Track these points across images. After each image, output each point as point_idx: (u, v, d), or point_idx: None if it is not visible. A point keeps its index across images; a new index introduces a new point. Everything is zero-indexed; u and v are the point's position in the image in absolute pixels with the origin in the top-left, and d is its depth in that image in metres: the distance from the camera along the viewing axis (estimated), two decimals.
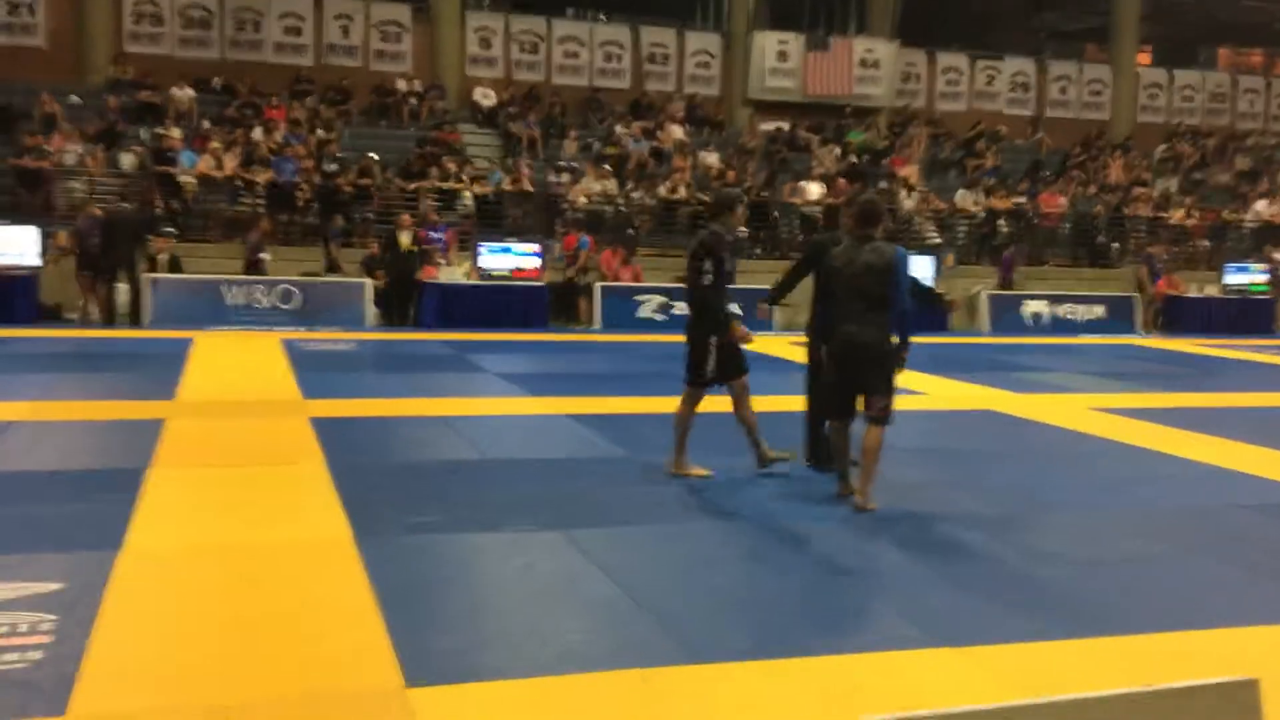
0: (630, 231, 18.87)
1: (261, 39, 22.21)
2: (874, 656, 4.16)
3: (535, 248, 17.04)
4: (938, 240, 20.87)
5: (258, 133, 19.05)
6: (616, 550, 5.48)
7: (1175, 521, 6.33)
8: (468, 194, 18.93)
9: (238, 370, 11.56)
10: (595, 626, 4.47)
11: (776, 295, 7.68)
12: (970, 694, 3.82)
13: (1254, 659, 4.25)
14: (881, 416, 6.30)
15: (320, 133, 19.58)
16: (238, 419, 8.65)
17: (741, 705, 3.69)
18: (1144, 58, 30.35)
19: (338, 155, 18.82)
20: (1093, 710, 1.93)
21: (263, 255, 16.58)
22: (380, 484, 6.66)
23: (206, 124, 19.26)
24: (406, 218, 16.82)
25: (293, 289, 16.24)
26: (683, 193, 19.87)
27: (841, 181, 20.85)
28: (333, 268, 16.97)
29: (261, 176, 17.95)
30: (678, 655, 4.11)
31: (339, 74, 22.15)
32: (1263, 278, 20.06)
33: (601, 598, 4.78)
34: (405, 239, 16.44)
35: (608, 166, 20.12)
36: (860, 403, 6.41)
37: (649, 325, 17.02)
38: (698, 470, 6.96)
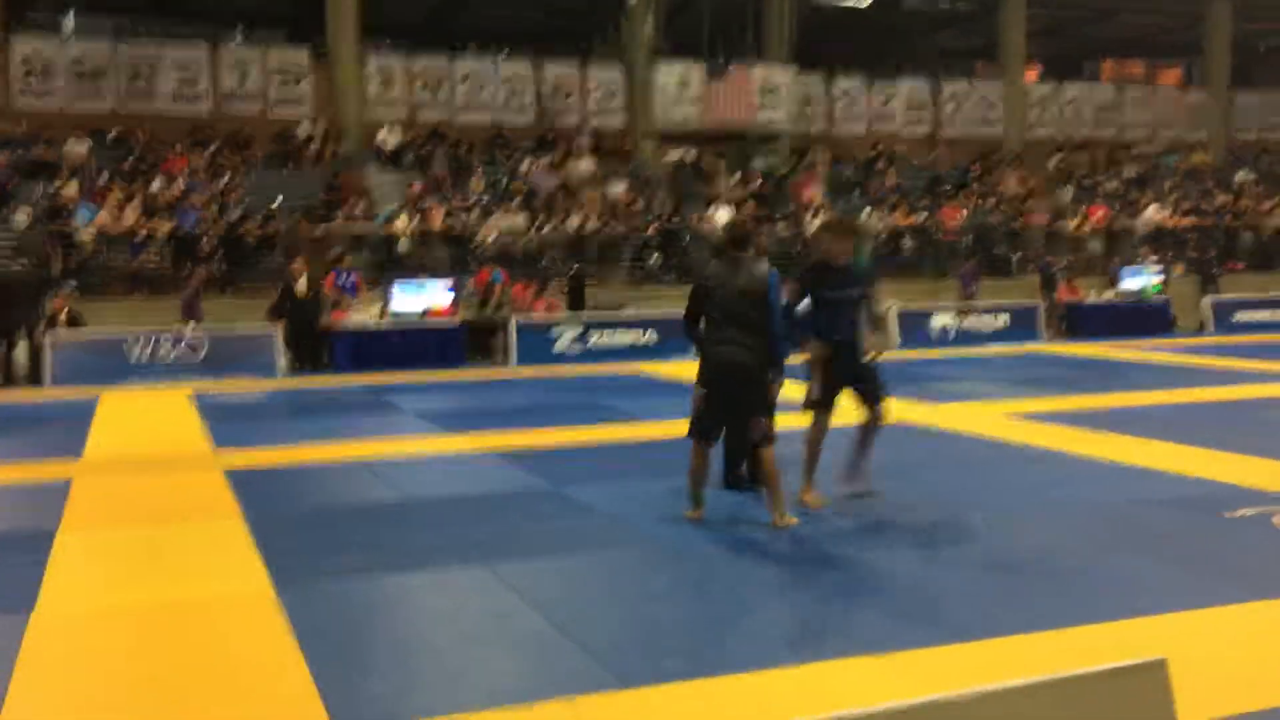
0: (542, 265, 18.88)
1: (156, 89, 21.83)
2: (801, 669, 4.21)
3: (448, 286, 16.96)
4: None
5: (157, 184, 18.70)
6: (543, 583, 5.46)
7: (1090, 519, 6.50)
8: (403, 237, 18.79)
9: (146, 426, 11.29)
10: (524, 661, 4.44)
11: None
12: (894, 698, 3.88)
13: (1168, 644, 4.38)
14: (763, 440, 6.37)
15: (224, 180, 19.30)
16: (148, 475, 8.44)
17: None
18: (1032, 74, 31.31)
19: (240, 202, 18.55)
20: (1011, 700, 1.98)
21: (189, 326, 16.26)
22: (299, 532, 6.55)
23: (104, 177, 18.86)
24: (300, 263, 16.48)
25: (201, 340, 15.92)
26: (593, 225, 19.95)
27: (750, 205, 21.13)
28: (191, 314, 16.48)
29: (163, 228, 17.61)
30: (607, 682, 4.10)
31: (238, 121, 21.86)
32: (1158, 279, 20.74)
33: (529, 631, 4.76)
34: (302, 284, 16.18)
35: (516, 202, 20.14)
36: (735, 426, 6.56)
37: (566, 358, 17.02)
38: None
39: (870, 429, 7.06)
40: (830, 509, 6.84)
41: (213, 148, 20.77)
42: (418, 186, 19.69)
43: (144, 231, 17.61)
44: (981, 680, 1.81)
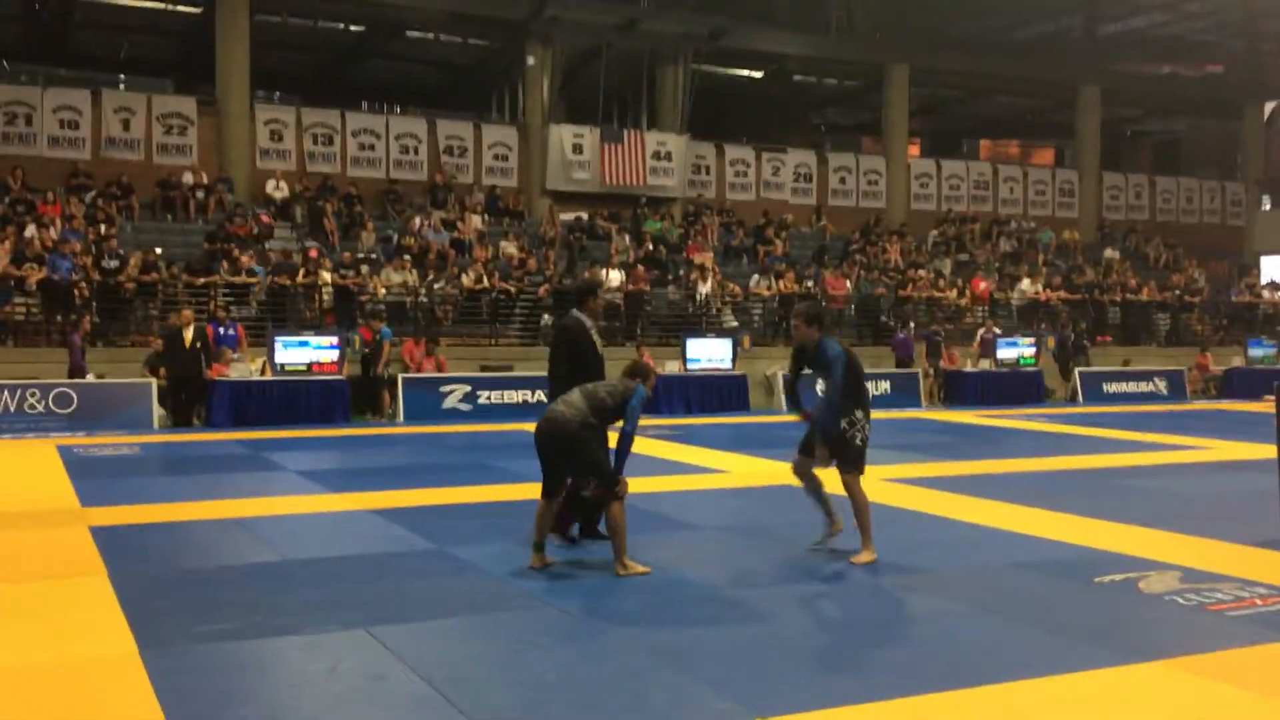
0: (434, 323, 18.75)
1: (34, 132, 21.20)
2: None
3: (333, 340, 16.68)
4: (735, 324, 21.56)
5: (30, 229, 18.07)
6: (425, 646, 5.35)
7: (959, 582, 6.64)
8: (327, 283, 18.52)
9: (7, 480, 10.79)
10: None
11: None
12: None
13: (1036, 709, 4.49)
14: (597, 497, 6.73)
15: (102, 228, 18.74)
16: (7, 530, 8.06)
17: None
18: (914, 149, 32.48)
19: (119, 251, 18.03)
20: None
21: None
22: (168, 592, 6.31)
23: None
24: (188, 313, 16.14)
25: (69, 391, 15.34)
26: (485, 283, 19.90)
27: (640, 269, 21.35)
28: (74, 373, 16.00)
29: (34, 275, 17.00)
30: None
31: (119, 168, 21.31)
32: (1030, 350, 21.51)
33: (410, 695, 4.64)
34: (189, 335, 15.78)
35: (407, 257, 19.99)
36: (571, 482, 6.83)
37: (454, 416, 16.84)
38: None
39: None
40: (698, 568, 6.87)
41: (91, 194, 20.18)
42: (314, 251, 19.37)
43: (13, 278, 16.99)
44: None
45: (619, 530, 6.71)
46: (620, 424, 6.78)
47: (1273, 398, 7.85)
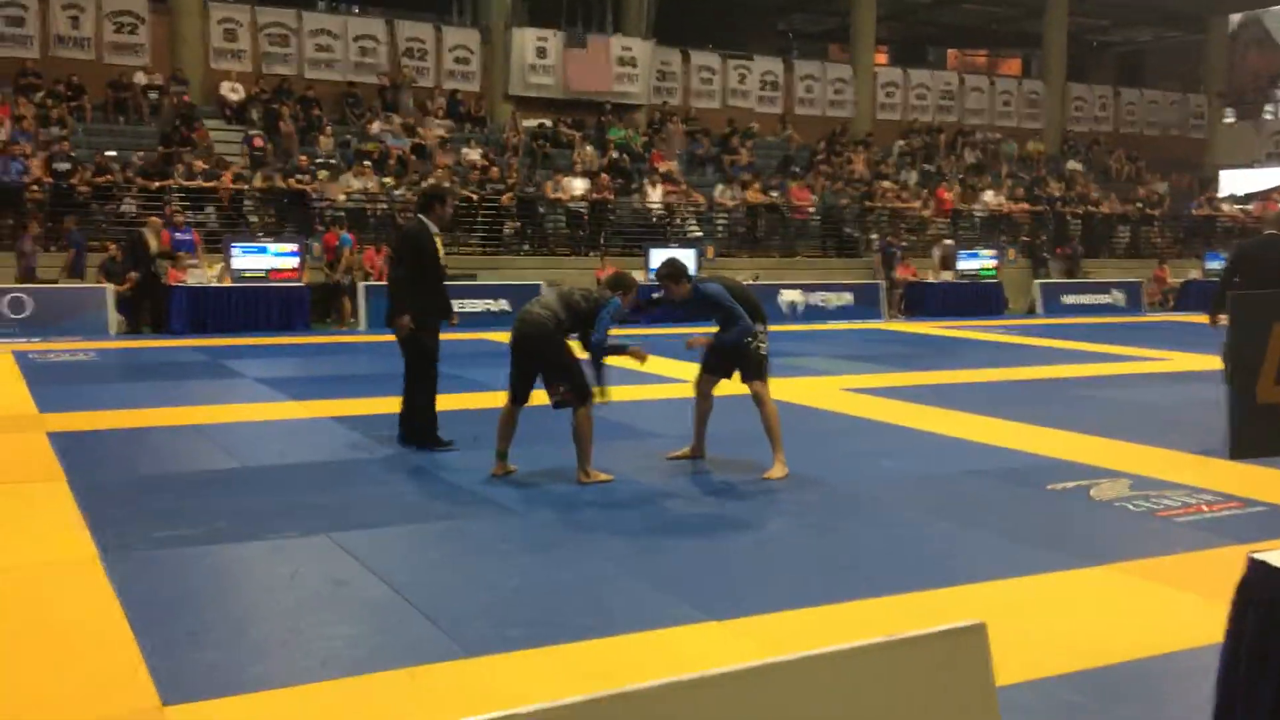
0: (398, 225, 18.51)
1: None
2: (645, 635, 4.26)
3: (293, 247, 16.46)
4: (699, 234, 21.47)
5: None
6: (387, 552, 5.39)
7: (919, 489, 6.76)
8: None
9: None
10: (364, 630, 4.37)
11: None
12: (733, 662, 3.96)
13: (989, 609, 4.59)
14: (566, 402, 6.67)
15: (54, 129, 18.25)
16: None
17: (512, 694, 3.70)
18: (881, 58, 32.12)
19: (70, 154, 17.59)
20: (832, 663, 2.04)
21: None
22: (127, 499, 6.29)
23: None
24: (155, 219, 15.93)
25: (24, 297, 15.08)
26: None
27: (604, 178, 21.14)
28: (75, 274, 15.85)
29: None
30: (450, 651, 4.08)
31: (69, 67, 20.68)
32: (992, 263, 21.63)
33: (371, 600, 4.69)
34: (154, 242, 15.56)
35: (368, 163, 19.67)
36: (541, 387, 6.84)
37: None
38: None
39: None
40: (661, 478, 6.94)
41: (40, 94, 19.61)
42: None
43: None
44: (810, 645, 1.86)
45: (586, 438, 6.72)
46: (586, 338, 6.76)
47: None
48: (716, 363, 7.34)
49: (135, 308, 15.65)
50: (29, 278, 15.56)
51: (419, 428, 7.79)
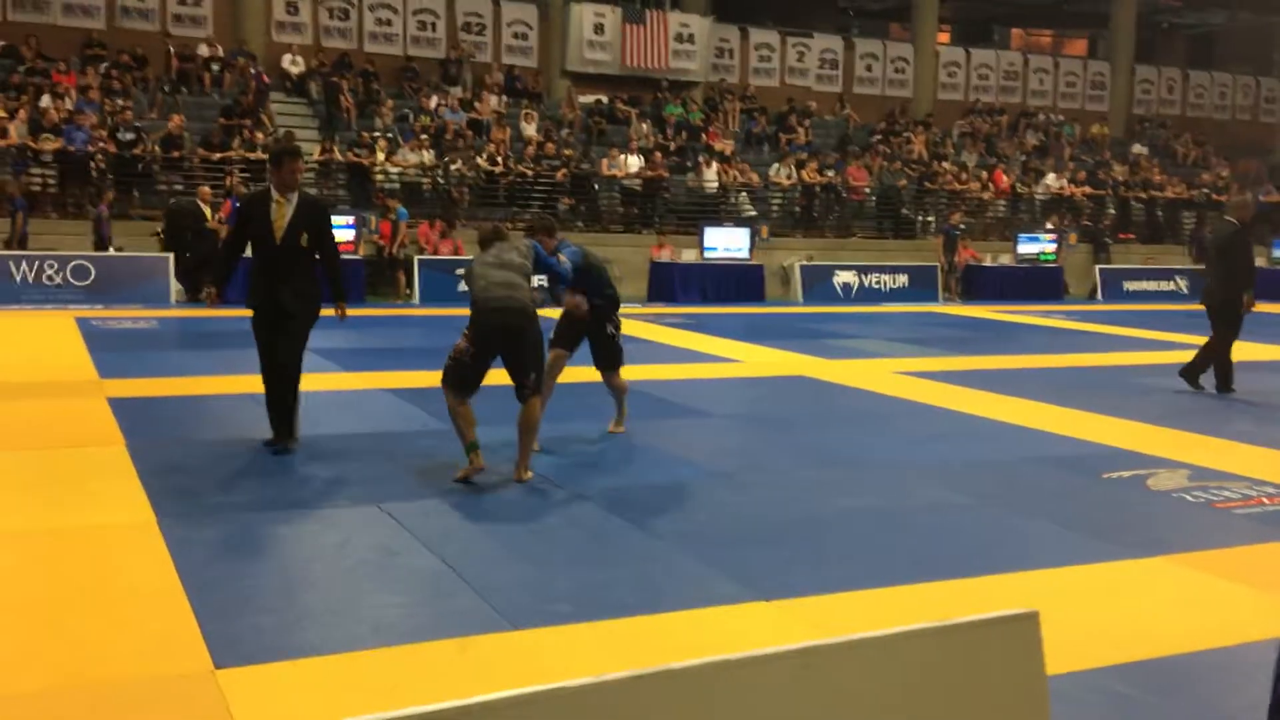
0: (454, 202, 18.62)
1: (47, 0, 20.81)
2: (693, 613, 4.26)
3: (350, 220, 16.60)
4: (753, 213, 21.35)
5: (45, 99, 17.88)
6: (437, 523, 5.43)
7: (970, 475, 6.68)
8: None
9: (28, 350, 10.88)
10: (413, 599, 4.42)
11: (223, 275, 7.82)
12: (781, 642, 3.95)
13: (1042, 598, 4.54)
14: (532, 390, 6.28)
15: (118, 101, 18.51)
16: (29, 400, 8.16)
17: (559, 668, 3.72)
18: (943, 37, 31.64)
19: (134, 124, 17.85)
20: (884, 646, 2.02)
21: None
22: (184, 465, 6.40)
23: None
24: (207, 190, 16.12)
25: (87, 264, 15.36)
26: (501, 165, 19.69)
27: (659, 155, 21.07)
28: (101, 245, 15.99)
29: (49, 145, 16.88)
30: (497, 623, 4.10)
31: (134, 38, 20.96)
32: (1051, 247, 21.30)
33: (421, 570, 4.73)
34: (210, 212, 15.77)
35: (425, 137, 19.76)
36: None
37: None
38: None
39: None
40: (707, 461, 6.92)
41: (105, 65, 19.91)
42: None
43: (29, 149, 16.88)
44: (860, 628, 1.84)
45: (535, 429, 6.38)
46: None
47: None
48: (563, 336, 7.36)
49: (195, 277, 15.86)
50: (103, 246, 15.80)
51: None
